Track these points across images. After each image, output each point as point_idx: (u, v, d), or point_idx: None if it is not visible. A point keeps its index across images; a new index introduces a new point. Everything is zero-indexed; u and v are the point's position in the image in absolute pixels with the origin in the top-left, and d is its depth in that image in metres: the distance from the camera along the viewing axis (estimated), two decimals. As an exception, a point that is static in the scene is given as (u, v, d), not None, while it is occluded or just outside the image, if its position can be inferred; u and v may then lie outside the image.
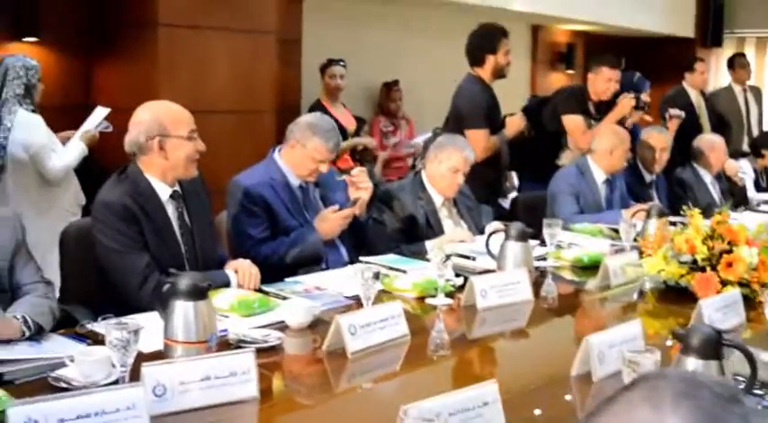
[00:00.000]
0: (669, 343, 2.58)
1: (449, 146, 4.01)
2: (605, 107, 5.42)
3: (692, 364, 1.91)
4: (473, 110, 4.84)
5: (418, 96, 7.02)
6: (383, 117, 6.79)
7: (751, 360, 1.93)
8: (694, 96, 7.32)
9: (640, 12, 8.19)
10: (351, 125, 6.14)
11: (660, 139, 5.31)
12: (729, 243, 3.18)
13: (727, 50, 9.38)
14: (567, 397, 2.17)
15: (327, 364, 2.35)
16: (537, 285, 3.29)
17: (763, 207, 5.62)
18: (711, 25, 9.02)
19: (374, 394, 2.28)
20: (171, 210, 2.92)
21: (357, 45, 6.74)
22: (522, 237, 3.31)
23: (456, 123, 4.84)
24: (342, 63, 6.18)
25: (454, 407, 1.72)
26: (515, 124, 5.03)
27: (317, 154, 3.46)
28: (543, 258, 3.67)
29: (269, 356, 2.29)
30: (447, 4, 6.78)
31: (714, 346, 1.91)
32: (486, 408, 1.79)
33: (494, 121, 4.92)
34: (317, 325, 2.62)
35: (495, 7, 6.82)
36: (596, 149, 4.83)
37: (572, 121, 5.30)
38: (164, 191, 2.90)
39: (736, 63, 8.11)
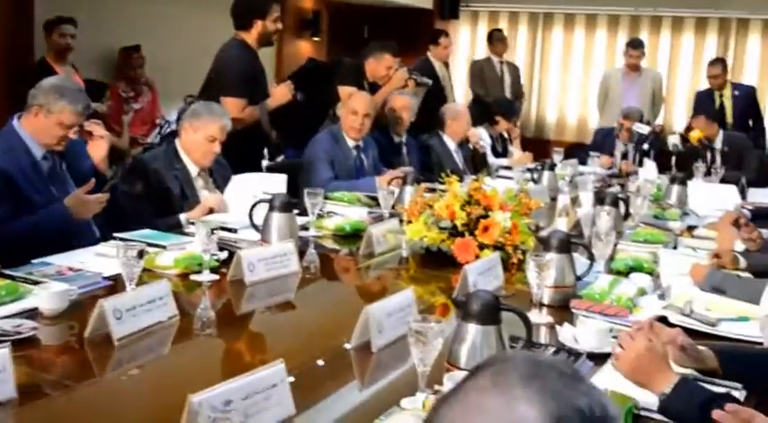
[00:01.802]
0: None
1: (205, 114, 3.85)
2: (377, 88, 5.48)
3: (473, 329, 1.94)
4: (233, 77, 4.58)
5: (164, 62, 6.70)
6: (123, 83, 6.43)
7: (527, 323, 2.00)
8: (438, 68, 7.62)
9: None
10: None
11: (401, 100, 5.47)
12: (485, 208, 3.30)
13: (464, 23, 9.83)
14: (354, 370, 2.16)
15: (90, 353, 2.16)
16: (300, 256, 3.25)
17: (502, 172, 5.93)
18: (449, -1, 9.40)
19: (144, 381, 2.13)
20: None
21: (94, 6, 6.30)
22: (287, 207, 3.24)
23: (214, 89, 4.59)
24: (73, 22, 5.77)
25: (243, 392, 1.63)
26: (281, 95, 4.83)
27: (65, 119, 3.16)
28: (305, 228, 3.63)
29: (23, 349, 2.06)
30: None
31: (493, 312, 1.95)
32: (274, 390, 1.71)
33: (256, 90, 4.69)
34: (75, 310, 2.40)
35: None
36: (341, 116, 4.88)
37: (347, 92, 5.26)
38: None
39: (495, 37, 8.56)
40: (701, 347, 2.14)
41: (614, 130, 7.01)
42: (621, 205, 3.99)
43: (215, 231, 2.81)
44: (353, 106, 4.80)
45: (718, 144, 6.60)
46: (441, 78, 7.64)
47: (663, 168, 6.31)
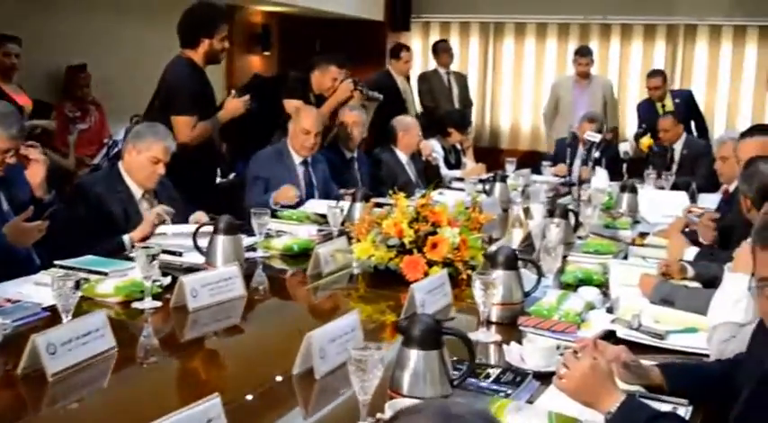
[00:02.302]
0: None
1: (148, 135, 3.78)
2: (323, 100, 5.46)
3: (415, 355, 1.91)
4: (183, 95, 4.49)
5: (112, 80, 6.60)
6: (69, 102, 6.32)
7: (469, 347, 1.97)
8: (400, 82, 7.63)
9: (332, -5, 8.32)
10: (28, 105, 5.63)
11: (351, 116, 5.44)
12: (433, 225, 3.28)
13: (415, 35, 9.82)
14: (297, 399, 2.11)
15: (24, 390, 2.09)
16: (248, 278, 3.20)
17: (455, 184, 5.91)
18: (400, 10, 9.36)
19: (83, 416, 2.06)
20: None
21: (39, 24, 6.20)
22: (232, 230, 3.19)
23: (162, 108, 4.50)
24: (17, 40, 5.66)
25: (176, 430, 1.58)
26: (234, 108, 4.73)
27: None
28: (253, 249, 3.58)
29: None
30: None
31: (434, 336, 1.92)
32: (209, 425, 1.66)
33: (205, 106, 4.61)
34: (11, 344, 2.31)
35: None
36: (290, 130, 4.83)
37: (293, 106, 5.20)
38: None
39: (440, 48, 8.56)
40: (646, 363, 2.14)
41: (566, 139, 7.03)
42: (572, 216, 3.99)
43: (156, 257, 2.74)
44: (304, 125, 4.73)
45: (678, 146, 6.67)
46: (402, 92, 7.73)
47: (616, 175, 6.37)
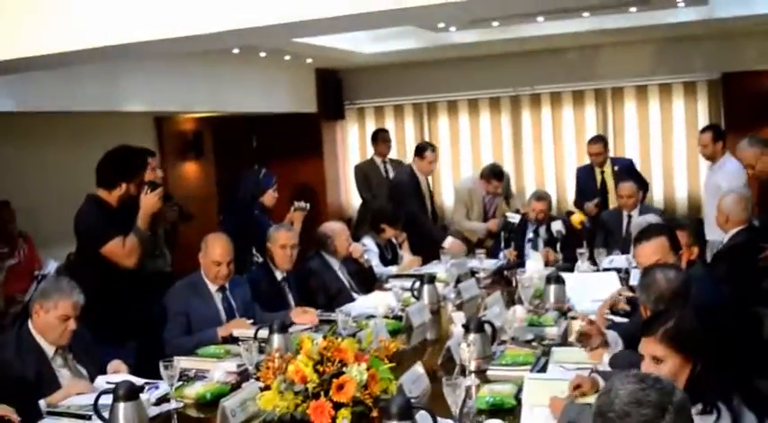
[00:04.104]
0: None
1: (54, 293, 3.76)
2: None
3: None
4: (95, 228, 4.58)
5: (38, 211, 6.59)
6: (-5, 241, 6.29)
7: None
8: (423, 181, 7.54)
9: (262, 97, 8.35)
10: None
11: (287, 237, 5.30)
12: (341, 362, 3.24)
13: (350, 121, 9.91)
14: None
15: None
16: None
17: (391, 282, 5.81)
18: (332, 100, 9.43)
19: None
20: None
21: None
22: (131, 396, 3.13)
23: (87, 249, 4.60)
24: None
25: None
26: (151, 205, 4.72)
27: None
28: (166, 399, 3.52)
29: None
30: (64, 112, 6.41)
31: None
32: None
33: (123, 225, 4.63)
34: None
35: (119, 111, 6.60)
36: (201, 261, 4.75)
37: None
38: None
39: (379, 138, 8.58)
40: None
41: (506, 221, 6.92)
42: (488, 328, 3.96)
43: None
44: (214, 257, 4.65)
45: (635, 213, 6.69)
46: (423, 192, 7.52)
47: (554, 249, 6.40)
